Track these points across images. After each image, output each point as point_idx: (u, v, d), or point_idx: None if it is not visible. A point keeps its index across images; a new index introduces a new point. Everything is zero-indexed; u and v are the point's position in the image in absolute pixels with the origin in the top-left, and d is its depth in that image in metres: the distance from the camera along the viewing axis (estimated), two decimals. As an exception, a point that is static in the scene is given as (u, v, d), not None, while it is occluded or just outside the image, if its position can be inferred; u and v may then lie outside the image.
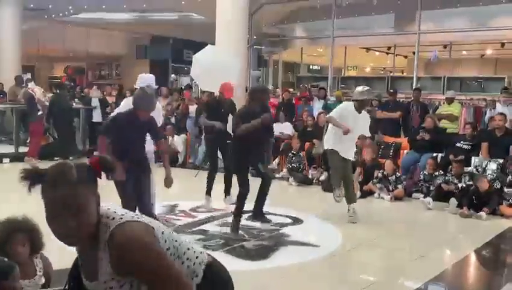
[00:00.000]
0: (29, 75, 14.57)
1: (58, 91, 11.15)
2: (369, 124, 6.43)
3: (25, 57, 14.08)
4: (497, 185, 6.89)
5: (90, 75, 19.88)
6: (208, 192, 6.62)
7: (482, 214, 6.46)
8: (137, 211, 4.33)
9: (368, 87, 6.42)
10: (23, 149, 10.64)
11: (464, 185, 7.10)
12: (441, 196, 7.08)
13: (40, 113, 9.96)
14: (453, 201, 6.78)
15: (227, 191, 6.71)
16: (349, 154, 6.23)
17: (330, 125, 6.15)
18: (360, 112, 6.08)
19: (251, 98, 5.67)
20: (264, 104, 5.64)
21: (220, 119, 6.55)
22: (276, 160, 9.37)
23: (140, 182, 4.50)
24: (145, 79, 5.51)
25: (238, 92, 9.61)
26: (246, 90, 10.79)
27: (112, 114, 5.63)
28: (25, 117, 10.63)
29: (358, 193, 7.56)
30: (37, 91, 10.30)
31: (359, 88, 6.26)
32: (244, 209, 5.51)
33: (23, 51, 13.51)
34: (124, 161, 4.13)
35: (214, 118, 6.55)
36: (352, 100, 6.21)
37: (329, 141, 6.17)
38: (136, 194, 4.46)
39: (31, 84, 10.54)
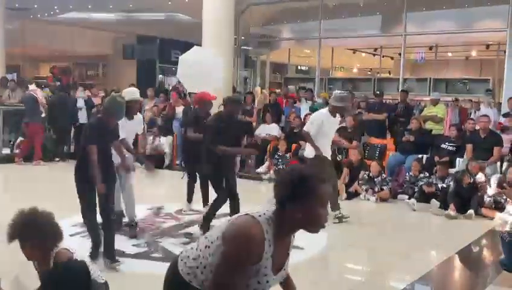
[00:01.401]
0: (15, 76, 14.43)
1: (59, 92, 11.25)
2: (356, 126, 6.45)
3: (10, 57, 13.90)
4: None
5: (76, 75, 19.70)
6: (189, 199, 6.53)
7: (471, 212, 6.52)
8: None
9: (347, 92, 6.48)
10: (6, 151, 10.55)
11: (445, 186, 7.16)
12: (425, 197, 7.14)
13: (43, 115, 10.04)
14: (434, 202, 6.85)
15: (205, 201, 6.38)
16: (327, 151, 6.26)
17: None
18: (334, 116, 6.14)
19: (224, 105, 5.52)
20: (233, 116, 5.51)
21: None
22: (267, 163, 9.35)
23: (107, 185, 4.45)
24: (132, 92, 5.33)
25: (224, 94, 9.60)
26: (233, 90, 10.78)
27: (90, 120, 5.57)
28: (19, 119, 10.52)
29: (344, 195, 7.60)
30: (39, 93, 10.32)
31: (337, 92, 6.29)
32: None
33: (8, 51, 13.34)
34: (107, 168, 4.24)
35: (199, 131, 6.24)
36: (330, 104, 6.18)
37: (309, 150, 6.20)
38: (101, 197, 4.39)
39: (32, 87, 10.51)
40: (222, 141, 5.21)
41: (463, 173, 7.03)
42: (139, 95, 5.42)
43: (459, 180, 6.93)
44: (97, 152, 4.24)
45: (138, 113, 5.48)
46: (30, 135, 10.04)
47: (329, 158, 6.35)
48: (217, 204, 5.40)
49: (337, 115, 6.19)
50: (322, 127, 6.05)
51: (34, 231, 2.62)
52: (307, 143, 6.32)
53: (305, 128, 6.30)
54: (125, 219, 5.47)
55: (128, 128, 5.12)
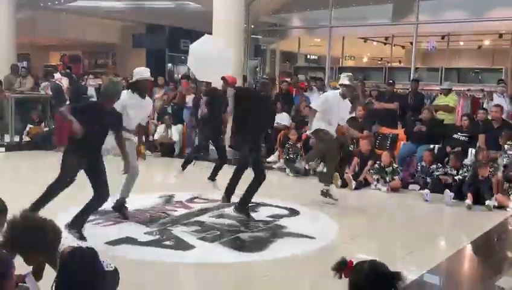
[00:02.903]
0: (25, 64, 14.50)
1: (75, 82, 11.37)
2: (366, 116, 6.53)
3: (20, 45, 13.94)
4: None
5: (86, 64, 19.76)
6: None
7: (490, 203, 6.48)
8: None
9: (358, 81, 6.69)
10: (20, 139, 10.62)
11: (461, 177, 7.11)
12: (439, 188, 7.10)
13: (67, 103, 10.08)
14: (448, 193, 6.80)
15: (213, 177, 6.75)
16: (332, 132, 6.50)
17: (317, 114, 6.40)
18: (344, 98, 6.37)
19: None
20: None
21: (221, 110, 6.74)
22: (277, 152, 9.36)
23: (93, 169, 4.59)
24: (141, 72, 5.42)
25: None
26: (244, 80, 10.75)
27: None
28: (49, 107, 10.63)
29: (353, 183, 7.58)
30: (64, 82, 10.36)
31: (346, 74, 6.55)
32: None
33: (18, 40, 13.38)
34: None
35: (216, 109, 6.79)
36: (340, 85, 6.44)
37: (316, 124, 6.45)
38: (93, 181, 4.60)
39: (56, 76, 10.57)
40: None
41: (479, 165, 6.98)
42: (149, 73, 5.42)
43: (475, 172, 6.90)
44: (85, 135, 4.34)
45: (148, 99, 5.61)
46: (57, 123, 10.10)
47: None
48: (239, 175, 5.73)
49: (347, 99, 6.42)
50: (332, 107, 6.29)
51: (26, 246, 2.54)
52: (311, 125, 6.56)
53: (312, 105, 6.61)
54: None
55: (141, 108, 5.29)
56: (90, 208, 4.68)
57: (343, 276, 2.05)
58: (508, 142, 7.35)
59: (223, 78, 6.75)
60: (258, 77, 12.77)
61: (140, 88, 5.33)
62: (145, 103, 5.46)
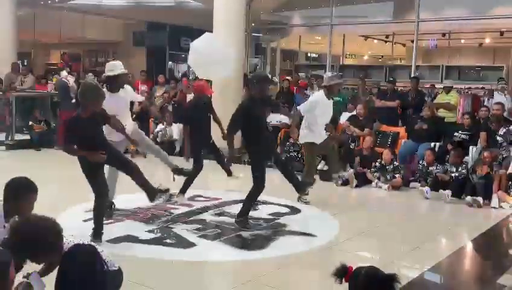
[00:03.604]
0: (26, 62, 14.49)
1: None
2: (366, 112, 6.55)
3: (21, 43, 13.93)
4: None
5: (86, 62, 19.74)
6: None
7: (495, 200, 6.49)
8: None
9: (336, 73, 6.68)
10: (19, 137, 10.62)
11: (457, 175, 7.10)
12: (439, 185, 7.09)
13: (73, 101, 10.03)
14: (443, 192, 6.80)
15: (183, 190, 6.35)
16: (322, 135, 6.53)
17: (304, 117, 6.47)
18: (329, 99, 6.42)
19: (251, 86, 5.64)
20: (264, 94, 5.50)
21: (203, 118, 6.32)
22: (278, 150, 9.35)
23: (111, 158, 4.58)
24: (113, 66, 5.28)
25: (234, 81, 9.59)
26: (245, 77, 10.74)
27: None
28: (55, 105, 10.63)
29: (355, 182, 7.59)
30: (70, 80, 10.34)
31: (328, 73, 6.63)
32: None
33: (19, 38, 13.37)
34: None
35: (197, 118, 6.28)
36: (323, 86, 6.48)
37: (303, 135, 6.55)
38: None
39: (63, 73, 10.55)
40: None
41: (477, 163, 6.99)
42: (119, 68, 5.21)
43: (473, 170, 6.90)
44: (82, 145, 4.36)
45: (126, 85, 5.43)
46: (61, 121, 10.10)
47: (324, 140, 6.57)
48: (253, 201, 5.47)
49: (331, 99, 6.50)
50: (315, 108, 6.32)
51: (28, 251, 2.54)
52: (300, 132, 6.66)
53: (299, 107, 6.63)
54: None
55: (112, 105, 4.91)
56: (99, 211, 4.61)
57: (343, 281, 2.19)
58: (500, 134, 7.40)
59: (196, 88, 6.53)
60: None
61: (118, 83, 5.18)
62: (118, 96, 5.23)
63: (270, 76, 6.13)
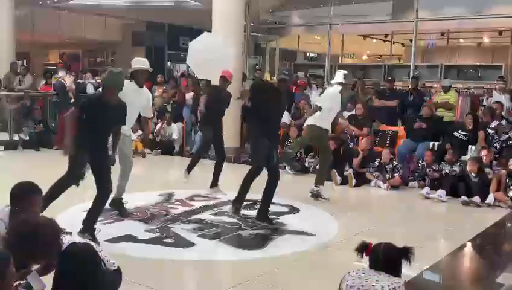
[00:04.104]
0: (24, 62, 14.46)
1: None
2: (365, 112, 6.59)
3: (19, 43, 13.91)
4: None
5: (85, 62, 19.72)
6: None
7: (491, 197, 6.51)
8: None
9: (358, 78, 6.76)
10: (17, 137, 10.60)
11: (448, 172, 7.11)
12: (437, 184, 7.10)
13: (72, 101, 10.02)
14: (440, 192, 6.80)
15: (214, 183, 6.71)
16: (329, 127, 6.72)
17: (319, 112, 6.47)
18: (341, 94, 6.53)
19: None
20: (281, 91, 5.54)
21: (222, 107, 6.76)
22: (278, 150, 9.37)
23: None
24: (139, 62, 5.44)
25: (234, 82, 9.56)
26: (243, 78, 10.74)
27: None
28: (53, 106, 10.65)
29: (354, 181, 7.59)
30: (67, 80, 10.30)
31: (342, 72, 6.64)
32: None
33: (17, 38, 13.36)
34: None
35: (217, 106, 6.76)
36: (338, 83, 6.50)
37: (323, 121, 6.52)
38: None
39: (61, 73, 10.53)
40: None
41: (472, 160, 6.99)
42: (147, 64, 5.40)
43: (464, 167, 6.94)
44: (91, 128, 4.36)
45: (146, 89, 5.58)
46: (61, 122, 10.09)
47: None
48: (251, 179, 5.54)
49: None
50: (335, 104, 6.46)
51: (27, 250, 2.52)
52: (312, 119, 6.60)
53: (319, 103, 6.53)
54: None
55: (137, 98, 5.19)
56: (96, 207, 4.62)
57: (364, 255, 2.66)
58: (491, 126, 7.44)
59: (222, 76, 6.75)
60: (257, 74, 12.74)
61: (139, 78, 5.33)
62: (143, 91, 5.43)
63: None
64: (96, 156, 4.50)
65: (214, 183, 6.73)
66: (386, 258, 2.58)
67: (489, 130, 7.53)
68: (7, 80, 11.83)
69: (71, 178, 4.57)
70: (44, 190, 4.48)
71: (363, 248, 2.65)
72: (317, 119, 6.50)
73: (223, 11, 9.66)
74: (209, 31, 9.55)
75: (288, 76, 5.57)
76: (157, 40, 17.54)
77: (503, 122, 7.71)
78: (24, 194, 3.10)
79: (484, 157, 7.12)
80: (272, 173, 5.49)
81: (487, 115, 7.74)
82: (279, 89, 5.48)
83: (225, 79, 6.74)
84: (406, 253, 2.57)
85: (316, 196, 6.50)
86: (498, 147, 7.54)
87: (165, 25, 17.36)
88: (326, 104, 6.43)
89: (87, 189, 4.70)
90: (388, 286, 2.46)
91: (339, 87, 6.51)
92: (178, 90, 11.12)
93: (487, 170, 7.01)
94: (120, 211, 5.48)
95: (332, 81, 6.88)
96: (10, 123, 10.53)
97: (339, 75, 6.58)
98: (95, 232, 4.54)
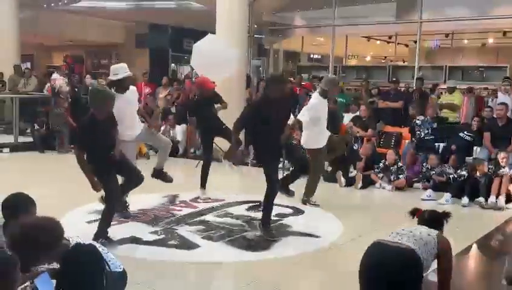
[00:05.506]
0: (28, 65, 14.50)
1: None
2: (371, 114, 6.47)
3: (24, 46, 13.96)
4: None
5: (89, 64, 19.77)
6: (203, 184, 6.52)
7: (501, 201, 6.45)
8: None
9: (337, 76, 6.54)
10: (22, 139, 10.64)
11: (456, 176, 7.07)
12: (441, 186, 7.07)
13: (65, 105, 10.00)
14: (446, 195, 6.77)
15: (203, 185, 6.52)
16: (325, 135, 6.41)
17: (304, 124, 6.20)
18: (324, 98, 6.21)
19: (267, 86, 5.32)
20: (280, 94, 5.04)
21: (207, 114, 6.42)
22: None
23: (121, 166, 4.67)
24: (117, 69, 5.28)
25: (237, 82, 9.58)
26: (248, 79, 10.74)
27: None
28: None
29: (360, 184, 7.57)
30: (58, 82, 10.25)
31: (329, 76, 6.51)
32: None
33: (22, 40, 13.41)
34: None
35: (201, 115, 6.48)
36: (321, 88, 6.22)
37: (311, 140, 6.29)
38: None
39: (54, 75, 10.53)
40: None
41: (478, 162, 6.97)
42: (123, 71, 5.22)
43: (472, 169, 6.90)
44: (92, 149, 4.37)
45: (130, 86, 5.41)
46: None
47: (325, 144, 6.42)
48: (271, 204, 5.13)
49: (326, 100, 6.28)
50: (320, 112, 6.16)
51: (30, 251, 2.50)
52: (302, 132, 6.41)
53: (299, 116, 6.21)
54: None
55: (121, 105, 4.94)
56: (104, 217, 4.63)
57: (415, 217, 3.49)
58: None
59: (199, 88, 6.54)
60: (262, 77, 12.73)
61: (126, 83, 5.21)
62: (130, 90, 5.30)
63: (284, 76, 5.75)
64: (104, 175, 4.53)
65: (203, 185, 6.57)
66: (430, 216, 3.42)
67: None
68: (12, 82, 11.87)
69: (113, 202, 4.68)
70: (48, 193, 4.51)
71: (414, 211, 3.53)
72: (310, 138, 6.27)
73: (227, 13, 9.66)
74: (213, 32, 9.56)
75: (271, 82, 5.14)
76: (161, 42, 17.57)
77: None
78: (18, 208, 3.04)
79: (503, 160, 6.99)
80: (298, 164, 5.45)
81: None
82: (274, 98, 4.97)
83: (202, 90, 6.47)
84: (446, 215, 3.45)
85: (305, 202, 6.38)
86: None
87: (169, 27, 17.39)
88: (312, 114, 6.14)
89: (85, 193, 4.68)
90: (426, 231, 3.11)
91: (323, 94, 6.20)
92: (182, 92, 11.12)
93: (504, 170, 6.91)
94: (124, 214, 5.46)
95: (318, 88, 6.64)
96: (15, 125, 10.56)
97: (323, 81, 6.32)
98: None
